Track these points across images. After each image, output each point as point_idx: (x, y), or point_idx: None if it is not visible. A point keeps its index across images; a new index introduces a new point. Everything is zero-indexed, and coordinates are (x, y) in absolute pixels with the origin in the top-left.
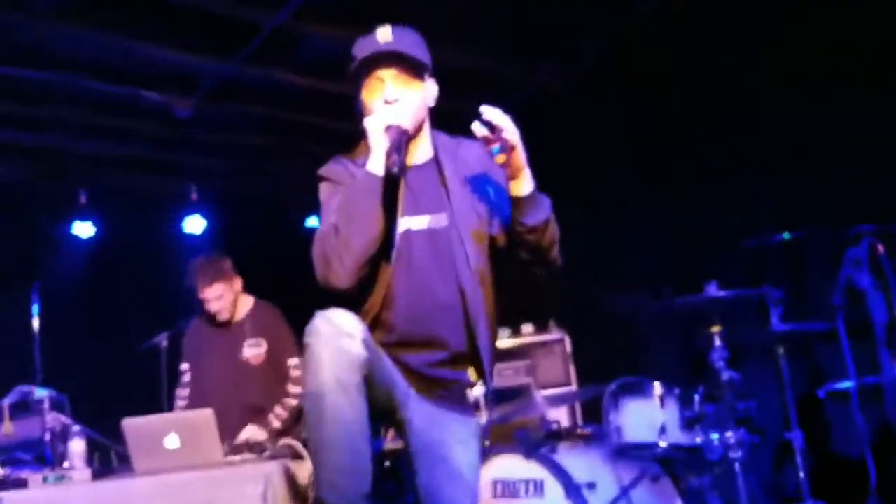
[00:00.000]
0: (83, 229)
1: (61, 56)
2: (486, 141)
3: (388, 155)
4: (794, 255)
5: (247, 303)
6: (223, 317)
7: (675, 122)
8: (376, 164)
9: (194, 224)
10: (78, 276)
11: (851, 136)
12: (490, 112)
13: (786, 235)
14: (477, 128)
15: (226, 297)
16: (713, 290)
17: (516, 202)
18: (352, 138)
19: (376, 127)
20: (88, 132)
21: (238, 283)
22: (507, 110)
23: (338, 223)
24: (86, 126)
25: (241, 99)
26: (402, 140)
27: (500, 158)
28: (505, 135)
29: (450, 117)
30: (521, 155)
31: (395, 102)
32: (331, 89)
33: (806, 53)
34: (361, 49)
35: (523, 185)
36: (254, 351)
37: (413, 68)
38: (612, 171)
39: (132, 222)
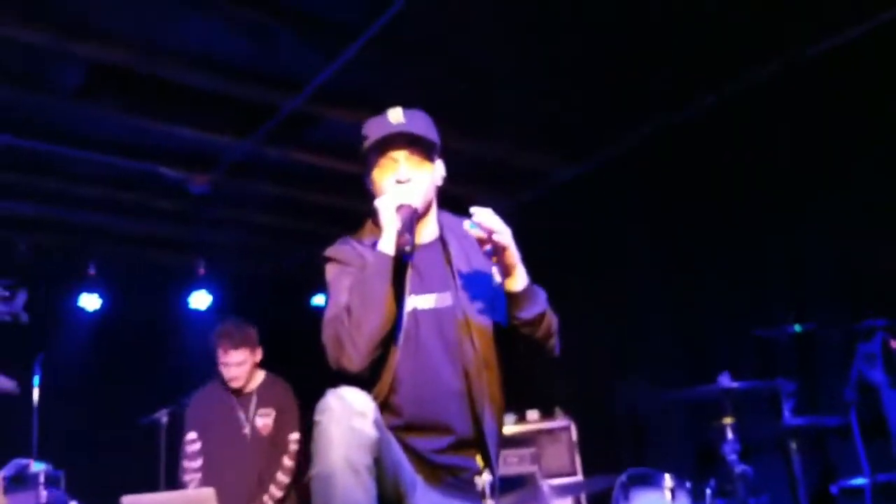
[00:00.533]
0: (90, 301)
1: (82, 133)
2: (480, 241)
3: (400, 234)
4: (807, 347)
5: (259, 375)
6: (237, 384)
7: (689, 215)
8: (387, 244)
9: (200, 299)
10: (82, 349)
11: (865, 231)
12: (480, 214)
13: (797, 328)
14: (468, 227)
15: (245, 365)
16: (726, 381)
17: (510, 297)
18: (362, 218)
19: (388, 207)
20: (103, 206)
21: (259, 354)
22: (531, 195)
23: (350, 305)
24: (100, 200)
25: (255, 177)
26: (413, 220)
27: (494, 259)
28: (495, 237)
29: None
30: (512, 255)
31: (407, 182)
32: (343, 169)
33: (821, 150)
34: (374, 129)
35: (517, 281)
36: (264, 420)
37: (425, 149)
38: (626, 261)
39: (138, 295)
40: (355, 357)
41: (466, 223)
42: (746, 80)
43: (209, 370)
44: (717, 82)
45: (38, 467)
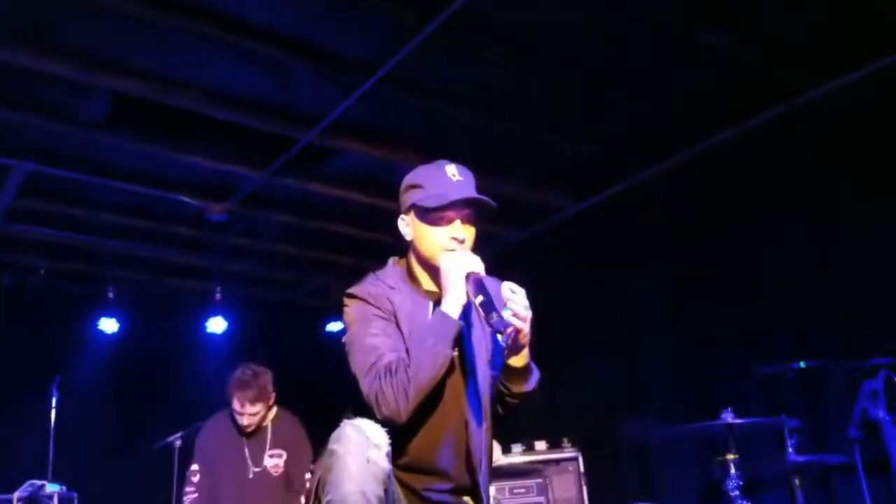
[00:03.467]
0: (108, 325)
1: (104, 162)
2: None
3: (487, 312)
4: (811, 384)
5: (270, 412)
6: (251, 430)
7: (693, 251)
8: (454, 307)
9: (216, 325)
10: (99, 372)
11: (869, 269)
12: (516, 303)
13: (802, 365)
14: (505, 315)
15: (260, 415)
16: (729, 417)
17: (507, 369)
18: (374, 248)
19: (456, 270)
20: (123, 232)
21: (273, 399)
22: (536, 230)
23: (409, 361)
24: (121, 226)
25: (271, 207)
26: (485, 288)
27: (509, 338)
28: (522, 325)
29: (483, 238)
30: (527, 336)
31: (463, 243)
32: (356, 200)
33: (823, 188)
34: (433, 183)
35: (521, 358)
36: (275, 461)
37: (481, 214)
38: (632, 296)
39: (156, 320)
40: (405, 410)
41: (506, 313)
42: (748, 123)
43: (224, 395)
44: (718, 124)
45: (52, 489)
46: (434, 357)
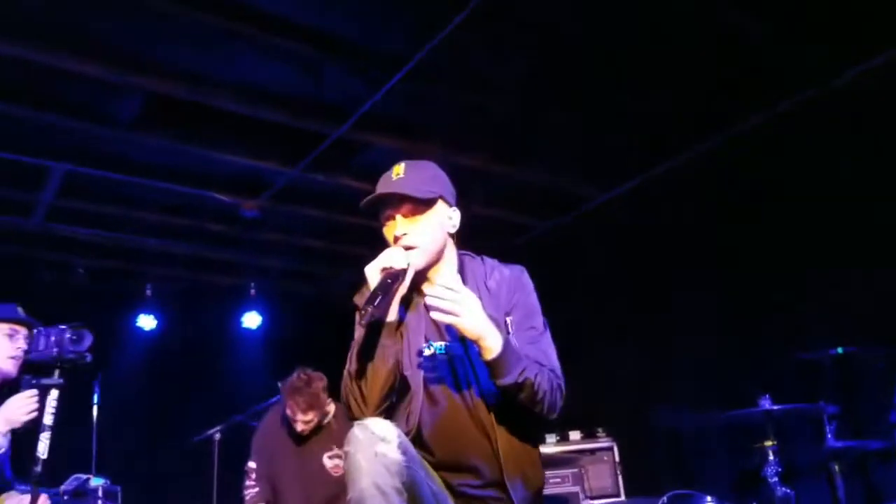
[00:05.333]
0: (146, 322)
1: (138, 161)
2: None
3: (366, 304)
4: (849, 370)
5: (329, 409)
6: (306, 433)
7: (731, 236)
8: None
9: (251, 320)
10: (138, 368)
11: None
12: (432, 296)
13: (840, 350)
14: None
15: (314, 422)
16: (767, 404)
17: (485, 363)
18: None
19: (372, 272)
20: (158, 230)
21: (327, 404)
22: (569, 218)
23: (350, 370)
24: (156, 224)
25: (302, 202)
26: (388, 284)
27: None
28: (444, 318)
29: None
30: (467, 328)
31: (403, 237)
32: None
33: (862, 172)
34: (378, 186)
35: (484, 352)
36: (335, 462)
37: (421, 204)
38: (667, 282)
39: (193, 316)
40: (366, 413)
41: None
42: (783, 104)
43: (261, 388)
44: (756, 106)
45: (96, 482)
46: (360, 361)
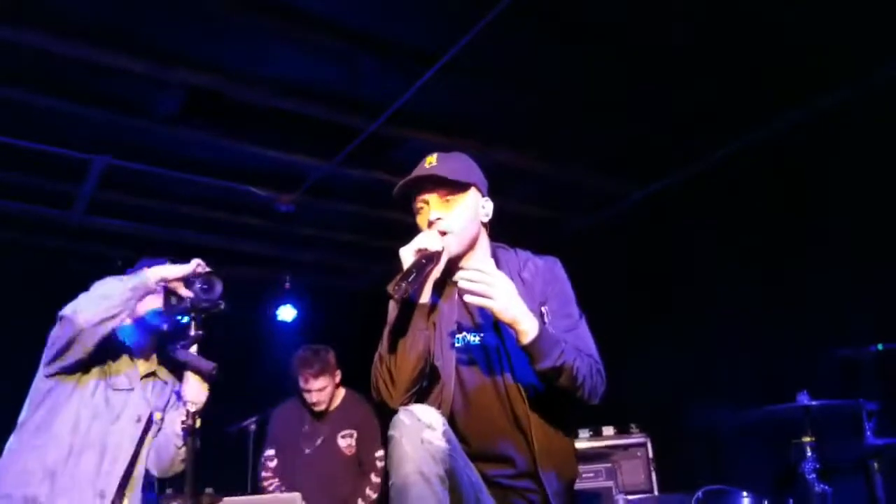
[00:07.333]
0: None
1: (177, 155)
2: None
3: (399, 280)
4: (889, 367)
5: (340, 394)
6: (320, 408)
7: (769, 232)
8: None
9: (287, 313)
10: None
11: None
12: (464, 280)
13: (880, 347)
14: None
15: (327, 390)
16: (805, 400)
17: (522, 348)
18: None
19: (406, 253)
20: (196, 223)
21: (338, 376)
22: (606, 215)
23: (381, 352)
24: (193, 218)
25: (337, 196)
26: (422, 265)
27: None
28: (479, 301)
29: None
30: (501, 311)
31: (438, 222)
32: None
33: None
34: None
35: (520, 336)
36: (347, 441)
37: (454, 189)
38: (703, 278)
39: (229, 309)
40: (394, 397)
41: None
42: (827, 100)
43: (295, 381)
44: (799, 101)
45: None
46: (392, 342)
